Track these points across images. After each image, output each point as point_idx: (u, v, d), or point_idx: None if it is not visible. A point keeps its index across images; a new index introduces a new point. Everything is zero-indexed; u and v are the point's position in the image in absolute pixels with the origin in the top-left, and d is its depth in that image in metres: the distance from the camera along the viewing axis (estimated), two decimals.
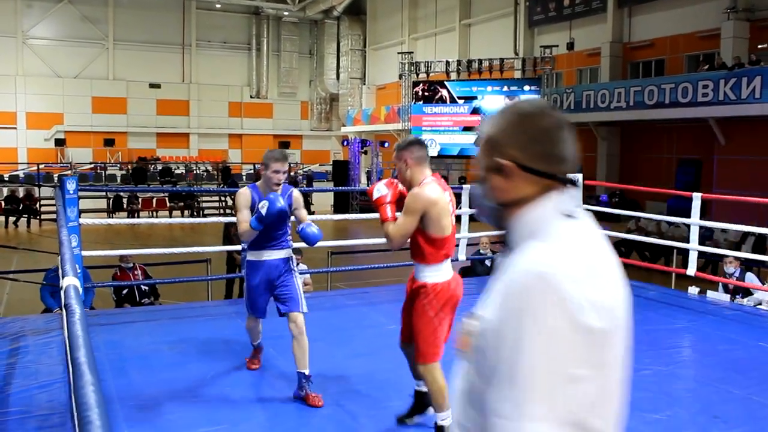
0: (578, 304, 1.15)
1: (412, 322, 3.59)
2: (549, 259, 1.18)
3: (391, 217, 3.58)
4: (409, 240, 3.56)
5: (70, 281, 2.61)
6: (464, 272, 9.77)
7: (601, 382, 1.20)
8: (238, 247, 7.14)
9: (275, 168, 4.35)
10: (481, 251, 9.44)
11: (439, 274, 3.53)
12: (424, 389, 3.74)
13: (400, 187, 3.73)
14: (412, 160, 3.58)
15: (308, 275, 8.52)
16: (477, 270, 9.43)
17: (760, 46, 18.67)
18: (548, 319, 1.14)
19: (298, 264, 8.27)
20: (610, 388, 1.25)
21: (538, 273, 1.16)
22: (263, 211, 4.14)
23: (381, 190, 3.65)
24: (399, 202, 3.68)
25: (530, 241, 1.25)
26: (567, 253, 1.21)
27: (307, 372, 4.31)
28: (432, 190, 3.47)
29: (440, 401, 3.53)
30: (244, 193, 4.47)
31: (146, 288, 8.34)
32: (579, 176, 8.55)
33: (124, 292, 8.21)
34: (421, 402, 3.88)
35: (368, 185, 26.87)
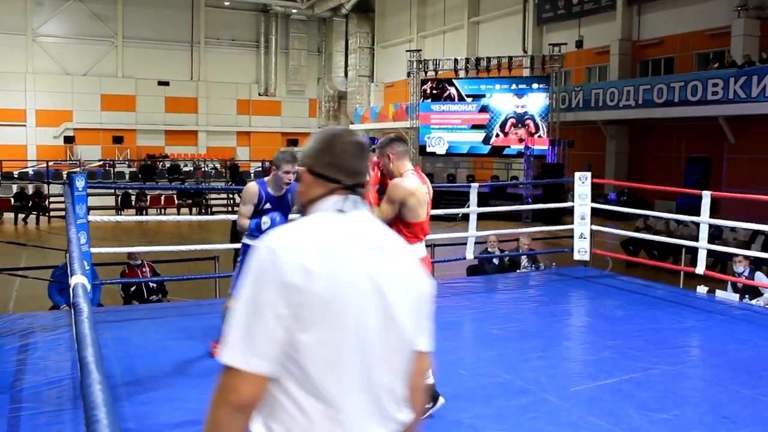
0: (288, 268, 1.46)
1: None
2: (279, 236, 1.53)
3: (373, 201, 3.97)
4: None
5: (78, 279, 2.62)
6: (472, 270, 9.76)
7: (301, 329, 1.47)
8: None
9: (286, 169, 4.59)
10: (489, 250, 9.42)
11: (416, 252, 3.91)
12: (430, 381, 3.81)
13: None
14: (394, 155, 3.98)
15: None
16: (485, 268, 9.42)
17: None
18: (258, 274, 1.50)
19: None
20: (325, 339, 1.48)
21: (266, 244, 1.52)
22: (263, 227, 4.52)
23: None
24: (381, 190, 4.10)
25: None
26: (297, 234, 1.55)
27: None
28: (411, 181, 3.92)
29: None
30: (252, 189, 4.70)
31: (154, 285, 8.36)
32: (587, 174, 8.53)
33: (132, 289, 8.24)
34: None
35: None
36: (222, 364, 1.56)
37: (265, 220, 4.55)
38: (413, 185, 3.91)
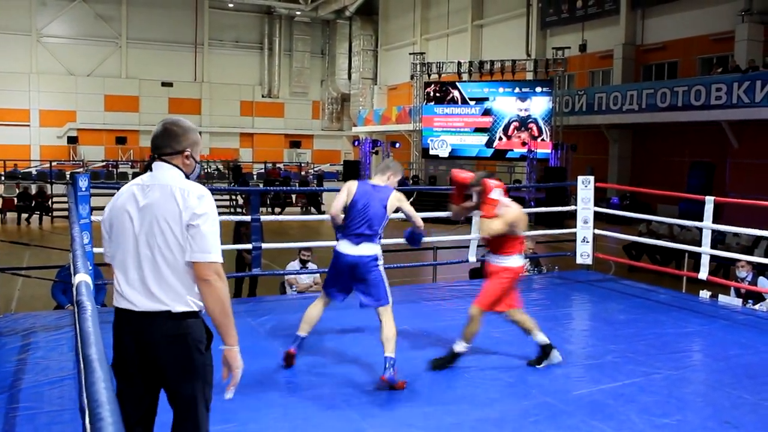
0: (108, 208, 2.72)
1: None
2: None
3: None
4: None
5: (82, 278, 2.63)
6: (475, 273, 9.75)
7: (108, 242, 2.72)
8: (248, 246, 7.15)
9: (394, 178, 4.98)
10: None
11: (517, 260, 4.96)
12: (544, 340, 4.99)
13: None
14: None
15: (318, 274, 8.53)
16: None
17: None
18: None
19: (308, 262, 8.30)
20: (115, 245, 2.69)
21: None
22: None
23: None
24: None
25: None
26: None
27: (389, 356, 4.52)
28: (516, 206, 4.96)
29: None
30: (351, 184, 4.84)
31: None
32: (590, 178, 8.52)
33: None
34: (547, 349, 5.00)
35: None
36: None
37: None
38: (519, 209, 4.93)
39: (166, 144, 2.66)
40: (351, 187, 4.79)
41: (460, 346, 4.87)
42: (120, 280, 2.65)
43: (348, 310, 6.82)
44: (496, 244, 4.89)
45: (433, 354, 5.05)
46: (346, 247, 4.69)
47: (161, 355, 2.66)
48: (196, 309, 2.67)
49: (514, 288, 4.95)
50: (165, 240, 2.55)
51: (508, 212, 4.80)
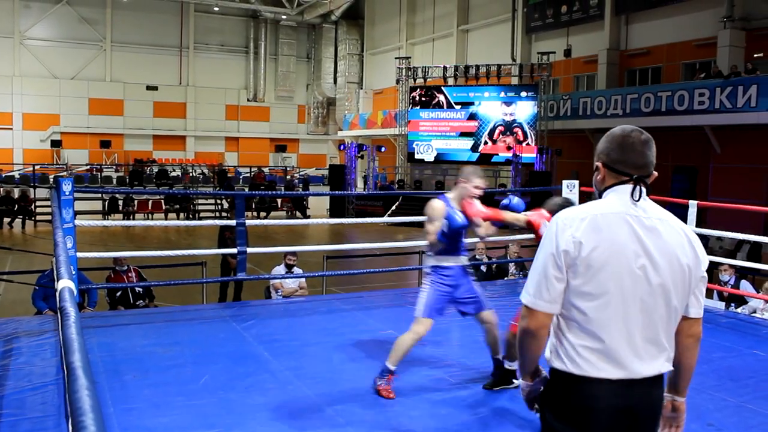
0: (563, 239, 2.09)
1: None
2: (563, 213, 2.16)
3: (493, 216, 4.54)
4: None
5: (65, 284, 2.61)
6: None
7: (576, 285, 2.03)
8: (234, 251, 7.13)
9: (477, 183, 4.62)
10: (476, 257, 9.44)
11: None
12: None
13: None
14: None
15: (303, 279, 8.52)
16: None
17: (756, 55, 18.75)
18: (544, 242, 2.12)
19: (293, 266, 8.28)
20: (591, 292, 2.02)
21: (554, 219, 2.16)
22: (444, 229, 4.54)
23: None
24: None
25: None
26: (576, 211, 2.14)
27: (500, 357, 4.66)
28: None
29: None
30: (438, 206, 4.60)
31: (141, 290, 8.32)
32: (575, 182, 8.56)
33: (119, 294, 8.19)
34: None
35: (364, 190, 26.89)
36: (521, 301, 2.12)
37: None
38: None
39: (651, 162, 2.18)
40: None
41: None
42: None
43: (332, 314, 6.83)
44: None
45: (418, 357, 5.05)
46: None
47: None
48: None
49: None
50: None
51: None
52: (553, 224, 2.07)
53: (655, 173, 2.19)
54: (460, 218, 4.51)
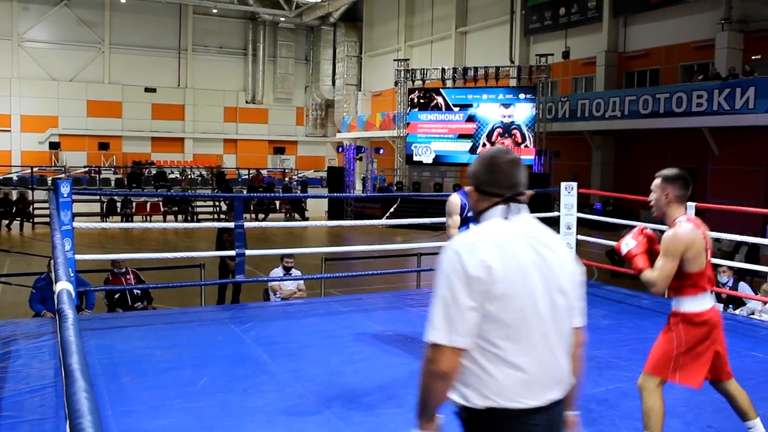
0: (472, 264, 1.90)
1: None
2: (462, 239, 2.02)
3: (644, 266, 3.58)
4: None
5: (63, 286, 2.61)
6: None
7: (488, 313, 1.89)
8: (232, 253, 7.12)
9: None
10: None
11: (695, 303, 3.58)
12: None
13: (649, 230, 3.75)
14: (673, 196, 3.58)
15: (302, 281, 8.51)
16: None
17: (753, 57, 18.78)
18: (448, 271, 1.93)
19: (291, 269, 8.28)
20: (507, 319, 1.90)
21: (452, 247, 1.99)
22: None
23: (629, 244, 3.71)
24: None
25: None
26: (476, 237, 2.00)
27: None
28: (685, 230, 3.47)
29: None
30: (455, 200, 4.86)
31: (139, 292, 8.30)
32: (573, 184, 8.57)
33: (117, 296, 8.17)
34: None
35: (363, 192, 26.89)
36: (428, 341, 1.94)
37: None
38: (690, 235, 3.46)
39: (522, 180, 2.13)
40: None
41: None
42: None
43: (331, 316, 6.82)
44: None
45: (415, 359, 5.04)
46: None
47: None
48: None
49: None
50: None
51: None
52: (452, 251, 1.93)
53: (529, 192, 2.12)
54: None
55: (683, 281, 3.52)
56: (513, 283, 1.90)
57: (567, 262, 2.06)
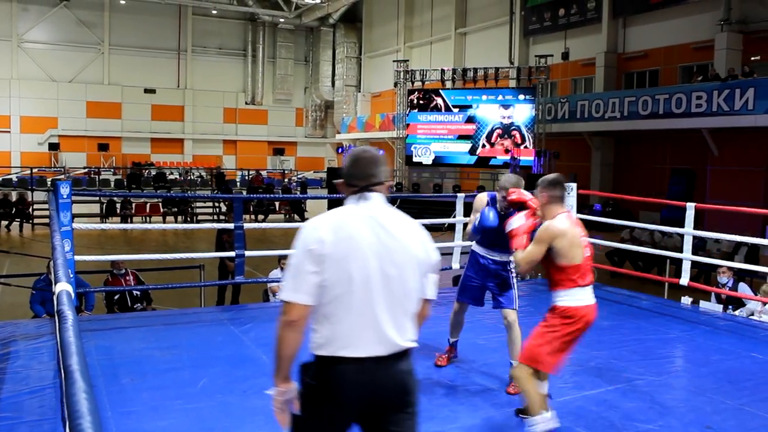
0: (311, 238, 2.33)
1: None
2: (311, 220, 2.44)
3: (520, 246, 3.93)
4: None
5: (63, 287, 2.60)
6: (458, 280, 9.76)
7: (326, 278, 2.30)
8: (231, 254, 7.12)
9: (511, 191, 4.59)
10: None
11: (568, 298, 3.82)
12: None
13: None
14: (549, 198, 3.91)
15: None
16: None
17: (753, 58, 18.79)
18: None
19: None
20: (336, 284, 2.30)
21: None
22: (476, 223, 4.75)
23: (515, 222, 4.02)
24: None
25: None
26: (322, 218, 2.43)
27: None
28: (561, 223, 3.80)
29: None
30: (482, 198, 4.95)
31: (138, 293, 8.31)
32: (573, 185, 8.57)
33: (116, 297, 8.18)
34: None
35: None
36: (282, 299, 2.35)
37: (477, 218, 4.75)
38: (561, 227, 3.78)
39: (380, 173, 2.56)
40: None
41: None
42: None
43: None
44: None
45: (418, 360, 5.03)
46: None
47: None
48: None
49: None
50: None
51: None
52: (304, 228, 2.36)
53: (389, 182, 2.55)
54: (491, 218, 4.63)
55: (559, 275, 3.80)
56: (344, 255, 2.30)
57: (410, 242, 2.41)
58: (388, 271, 2.34)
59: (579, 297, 3.80)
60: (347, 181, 2.50)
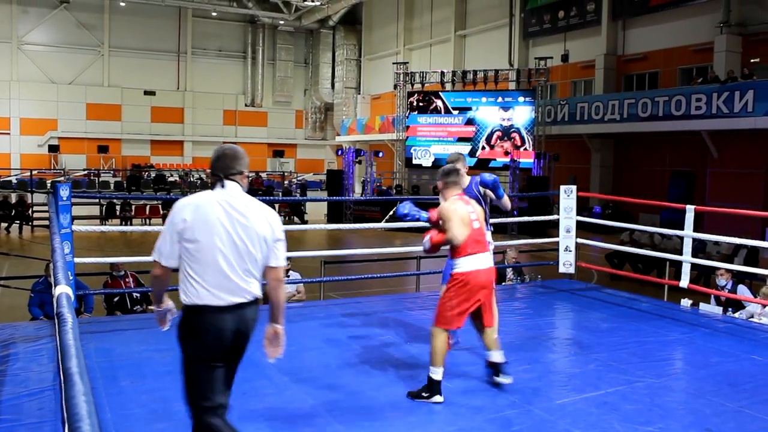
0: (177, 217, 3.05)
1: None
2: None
3: (441, 237, 4.60)
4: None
5: (63, 290, 2.61)
6: None
7: (187, 247, 3.02)
8: None
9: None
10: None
11: (460, 265, 4.55)
12: (495, 359, 4.71)
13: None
14: (444, 184, 4.80)
15: (301, 284, 8.51)
16: None
17: (752, 60, 18.81)
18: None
19: (289, 271, 8.27)
20: (195, 252, 3.02)
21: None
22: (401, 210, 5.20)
23: (427, 237, 4.71)
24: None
25: None
26: (187, 199, 3.20)
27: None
28: (451, 202, 4.66)
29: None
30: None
31: (138, 295, 8.30)
32: (573, 187, 8.58)
33: (116, 299, 8.17)
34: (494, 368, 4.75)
35: (362, 195, 26.89)
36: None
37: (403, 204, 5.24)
38: (452, 205, 4.61)
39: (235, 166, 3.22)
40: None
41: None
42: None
43: (330, 319, 6.82)
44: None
45: (417, 361, 5.04)
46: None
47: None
48: None
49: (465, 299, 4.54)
50: None
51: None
52: (173, 208, 3.06)
53: (246, 174, 3.19)
54: (405, 210, 5.21)
55: (451, 246, 4.57)
56: (200, 229, 3.00)
57: (256, 220, 3.07)
58: (236, 243, 3.03)
59: (469, 263, 4.51)
60: (212, 172, 3.17)
